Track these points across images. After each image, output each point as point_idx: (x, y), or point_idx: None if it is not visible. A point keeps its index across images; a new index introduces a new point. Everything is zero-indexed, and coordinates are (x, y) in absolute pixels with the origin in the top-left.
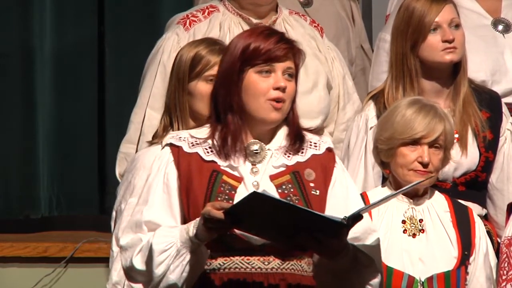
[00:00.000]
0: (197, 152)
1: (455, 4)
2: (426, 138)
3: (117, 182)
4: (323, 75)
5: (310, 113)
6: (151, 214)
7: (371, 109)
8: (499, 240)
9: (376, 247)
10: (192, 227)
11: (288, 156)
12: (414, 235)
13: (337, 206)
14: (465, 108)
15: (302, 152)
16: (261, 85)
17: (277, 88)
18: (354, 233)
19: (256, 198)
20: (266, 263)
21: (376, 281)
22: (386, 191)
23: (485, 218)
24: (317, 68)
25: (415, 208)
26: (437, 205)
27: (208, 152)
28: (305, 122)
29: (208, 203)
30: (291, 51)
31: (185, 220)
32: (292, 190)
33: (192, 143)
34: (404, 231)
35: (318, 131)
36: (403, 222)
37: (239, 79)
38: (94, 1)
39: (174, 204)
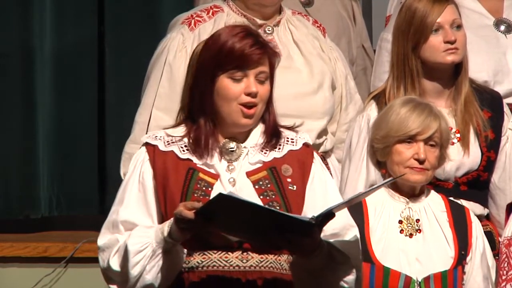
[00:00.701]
0: (172, 151)
1: (456, 4)
2: (421, 135)
3: (117, 182)
4: (328, 75)
5: (315, 114)
6: (127, 214)
7: (373, 109)
8: (501, 240)
9: (354, 243)
10: (166, 227)
11: (265, 153)
12: (411, 235)
13: (315, 202)
14: (467, 108)
15: (279, 148)
16: (233, 90)
17: (249, 94)
18: (332, 229)
19: (221, 199)
20: (244, 261)
21: (351, 278)
22: (382, 191)
23: (487, 218)
24: (322, 69)
25: (411, 208)
26: (434, 205)
27: (183, 150)
28: (310, 123)
29: (180, 203)
30: (266, 55)
31: (162, 218)
32: (269, 185)
33: (168, 141)
34: (401, 231)
35: (296, 128)
36: (400, 222)
37: (212, 83)
38: (94, 1)
39: (150, 202)
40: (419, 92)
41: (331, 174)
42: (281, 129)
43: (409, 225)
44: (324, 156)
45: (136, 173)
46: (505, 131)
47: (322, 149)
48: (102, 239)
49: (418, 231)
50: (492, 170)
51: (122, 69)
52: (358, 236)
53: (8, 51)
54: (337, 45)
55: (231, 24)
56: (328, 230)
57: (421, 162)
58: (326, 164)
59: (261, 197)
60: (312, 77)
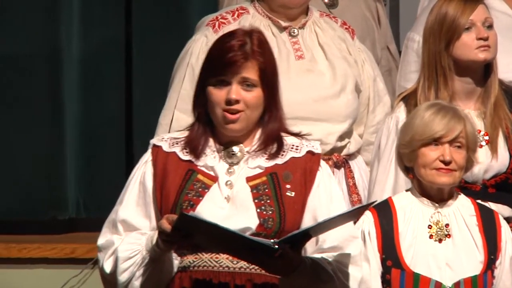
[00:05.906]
0: (174, 152)
1: (487, 5)
2: (445, 137)
3: None
4: (352, 78)
5: (337, 117)
6: (125, 214)
7: (401, 111)
8: None
9: (348, 256)
10: (156, 236)
11: (267, 159)
12: (440, 240)
13: (319, 209)
14: (496, 111)
15: (282, 155)
16: (215, 97)
17: (228, 101)
18: (331, 242)
19: (184, 218)
20: (234, 262)
21: None
22: (410, 196)
23: None
24: (345, 72)
25: (441, 213)
26: (463, 209)
27: (186, 152)
28: (331, 126)
29: (165, 215)
30: (251, 61)
31: (160, 219)
32: (266, 190)
33: (172, 143)
34: (430, 236)
35: (304, 135)
36: (429, 227)
37: (203, 89)
38: (121, 3)
39: (148, 203)
40: (450, 93)
41: (353, 177)
42: (286, 135)
43: (438, 230)
44: (347, 159)
45: (138, 174)
46: None
47: (345, 152)
48: (102, 238)
49: (448, 236)
50: None
51: (149, 71)
52: (360, 248)
53: (35, 53)
54: None
55: (230, 31)
56: (327, 243)
57: (446, 163)
58: (349, 167)
59: (256, 201)
60: (334, 80)
